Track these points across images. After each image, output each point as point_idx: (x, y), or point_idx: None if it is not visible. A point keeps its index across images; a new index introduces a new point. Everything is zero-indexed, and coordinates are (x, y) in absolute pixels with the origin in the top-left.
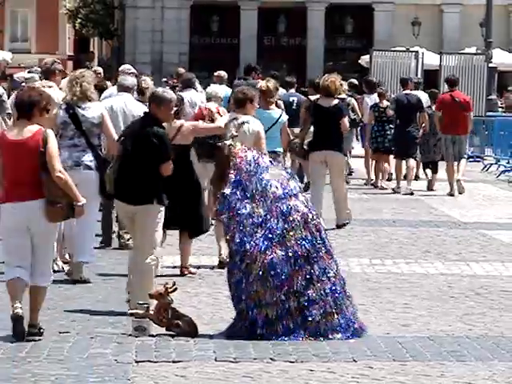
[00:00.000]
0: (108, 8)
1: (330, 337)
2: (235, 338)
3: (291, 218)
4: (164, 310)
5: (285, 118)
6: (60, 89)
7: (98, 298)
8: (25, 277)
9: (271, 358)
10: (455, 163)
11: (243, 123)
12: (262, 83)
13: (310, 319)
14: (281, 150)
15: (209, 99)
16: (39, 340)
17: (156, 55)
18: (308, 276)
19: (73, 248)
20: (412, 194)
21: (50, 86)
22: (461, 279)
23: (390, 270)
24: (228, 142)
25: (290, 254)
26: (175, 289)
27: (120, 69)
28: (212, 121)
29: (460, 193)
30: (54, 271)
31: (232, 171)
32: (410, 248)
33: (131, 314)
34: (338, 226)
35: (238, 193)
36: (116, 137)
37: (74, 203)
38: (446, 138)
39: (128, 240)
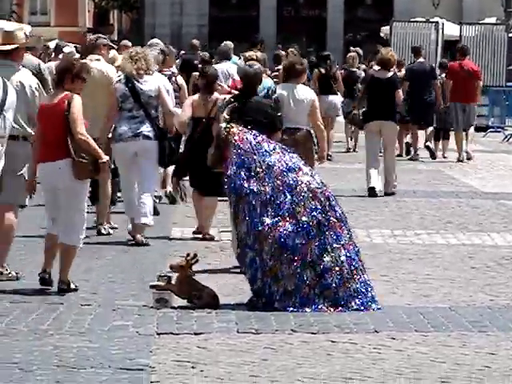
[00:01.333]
0: None
1: (349, 304)
2: (255, 310)
3: (298, 190)
4: (185, 282)
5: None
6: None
7: (119, 269)
8: (56, 232)
9: (293, 330)
10: (463, 132)
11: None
12: (250, 53)
13: (327, 287)
14: None
15: None
16: (74, 292)
17: (175, 27)
18: (322, 245)
19: (132, 211)
20: (434, 157)
21: (97, 60)
22: (482, 249)
23: (411, 241)
24: (223, 125)
25: (301, 226)
26: (196, 261)
27: (148, 43)
28: None
29: (469, 158)
30: (100, 233)
31: (233, 152)
32: (432, 219)
33: (152, 286)
34: (386, 194)
35: (242, 173)
36: (173, 108)
37: (99, 161)
38: (455, 106)
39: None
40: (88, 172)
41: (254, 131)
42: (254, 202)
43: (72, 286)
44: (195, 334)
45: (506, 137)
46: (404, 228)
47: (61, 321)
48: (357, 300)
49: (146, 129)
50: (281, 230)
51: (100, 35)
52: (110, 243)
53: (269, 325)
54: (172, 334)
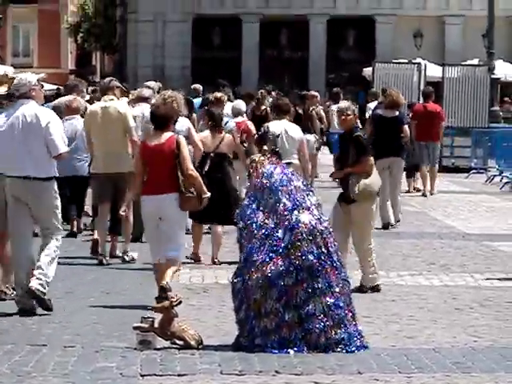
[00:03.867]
0: (110, 22)
1: (330, 350)
2: (240, 351)
3: (298, 231)
4: (169, 324)
5: (231, 124)
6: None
7: (102, 311)
8: (162, 258)
9: (276, 371)
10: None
11: (278, 136)
12: (214, 94)
13: (309, 332)
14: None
15: (237, 114)
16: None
17: (158, 69)
18: (310, 289)
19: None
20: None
21: (111, 99)
22: (465, 291)
23: (394, 282)
24: (256, 157)
25: (292, 267)
26: (180, 302)
27: (146, 84)
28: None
29: (431, 194)
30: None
31: (250, 184)
32: (415, 260)
33: (136, 328)
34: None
35: (254, 205)
36: (201, 146)
37: (202, 195)
38: (419, 145)
39: None
40: (193, 204)
41: (278, 164)
42: (255, 233)
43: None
44: (179, 375)
45: (489, 178)
46: (387, 269)
47: (44, 362)
48: (339, 348)
49: None
50: (272, 267)
51: (112, 78)
52: (94, 285)
53: (252, 366)
54: (155, 375)
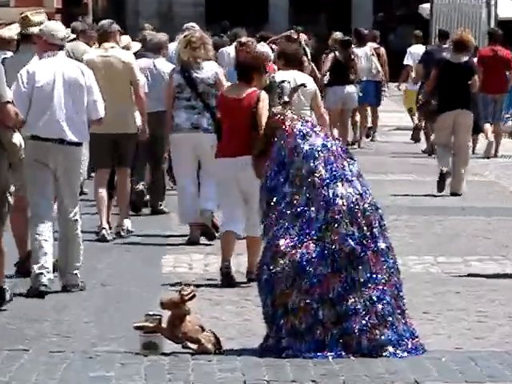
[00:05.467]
0: None
1: (375, 354)
2: (268, 356)
3: (336, 209)
4: (180, 323)
5: None
6: (124, 48)
7: (96, 307)
8: (236, 230)
9: (313, 381)
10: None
11: (302, 85)
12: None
13: (348, 332)
14: None
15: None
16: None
17: (164, 6)
18: (349, 280)
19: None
20: None
21: (112, 47)
22: None
23: (459, 270)
24: (277, 110)
25: (327, 253)
26: (193, 296)
27: (184, 27)
28: None
29: (495, 156)
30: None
31: (276, 147)
32: (484, 242)
33: (138, 328)
34: (453, 194)
35: (280, 176)
36: None
37: None
38: (483, 97)
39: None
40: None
41: (307, 121)
42: (283, 213)
43: None
44: None
45: None
46: (450, 254)
47: (26, 371)
48: (386, 352)
49: (206, 121)
50: (303, 251)
51: (112, 21)
52: (88, 274)
53: (283, 375)
54: None
